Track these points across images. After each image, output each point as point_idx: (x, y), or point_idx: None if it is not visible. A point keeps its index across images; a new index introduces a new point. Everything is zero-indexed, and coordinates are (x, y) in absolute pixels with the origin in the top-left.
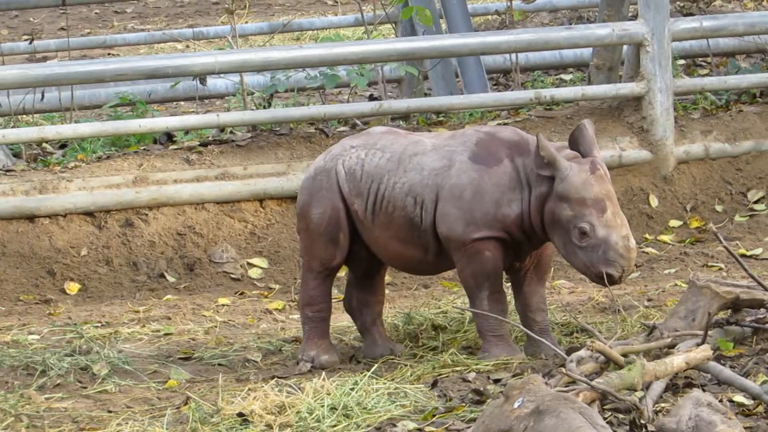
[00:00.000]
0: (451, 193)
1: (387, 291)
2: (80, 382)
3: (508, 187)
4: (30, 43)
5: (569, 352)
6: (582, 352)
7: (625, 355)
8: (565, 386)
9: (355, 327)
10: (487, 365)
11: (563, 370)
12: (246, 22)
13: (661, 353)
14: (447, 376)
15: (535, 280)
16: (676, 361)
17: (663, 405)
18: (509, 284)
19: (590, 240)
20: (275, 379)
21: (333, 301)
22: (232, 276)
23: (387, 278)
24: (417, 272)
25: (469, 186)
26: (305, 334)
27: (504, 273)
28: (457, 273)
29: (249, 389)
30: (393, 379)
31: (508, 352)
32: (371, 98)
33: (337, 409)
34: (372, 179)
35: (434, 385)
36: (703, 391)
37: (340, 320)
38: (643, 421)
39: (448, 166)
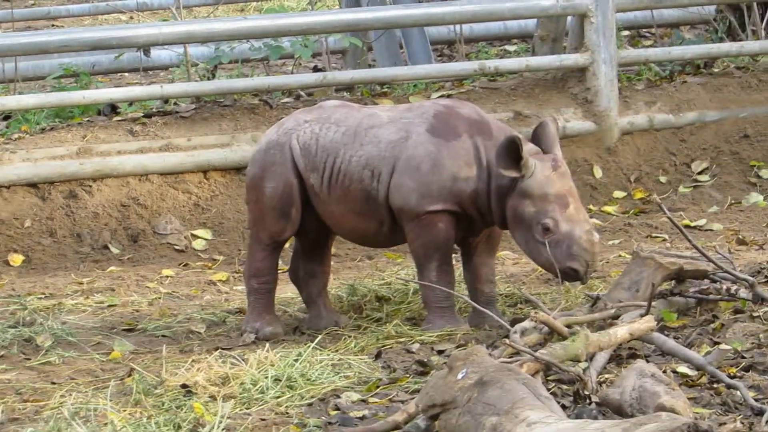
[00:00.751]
0: (408, 164)
1: (331, 262)
2: (24, 353)
3: (466, 163)
4: None
5: (513, 323)
6: (526, 323)
7: (569, 326)
8: (509, 357)
9: (299, 298)
10: (431, 336)
11: (507, 341)
12: None
13: (604, 324)
14: (391, 348)
15: (485, 252)
16: (620, 332)
17: (607, 376)
18: (459, 255)
19: (553, 236)
20: (219, 350)
21: (280, 271)
22: (176, 247)
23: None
24: (372, 245)
25: (427, 158)
26: (250, 305)
27: (455, 245)
28: (408, 244)
29: (193, 361)
30: (337, 351)
31: (452, 323)
32: (315, 69)
33: (281, 381)
34: (328, 153)
35: (378, 356)
36: (647, 362)
37: (284, 292)
38: (586, 392)
39: (405, 137)
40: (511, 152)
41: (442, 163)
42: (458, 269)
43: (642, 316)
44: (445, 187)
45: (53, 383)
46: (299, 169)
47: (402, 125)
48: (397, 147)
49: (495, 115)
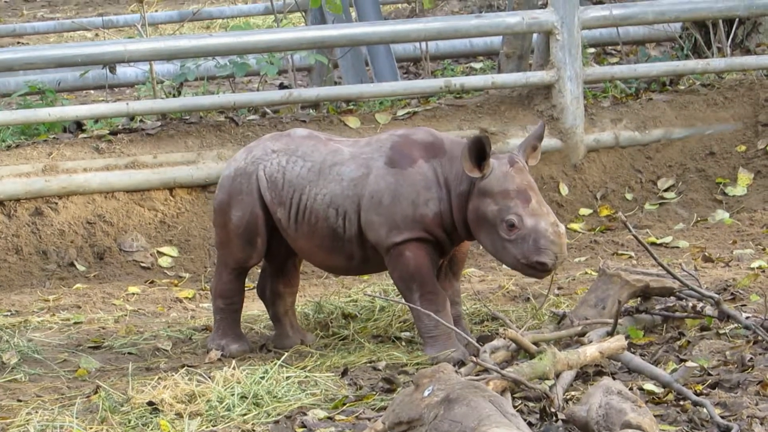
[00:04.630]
0: (371, 201)
1: (299, 282)
2: None
3: (423, 187)
4: None
5: (480, 340)
6: (497, 342)
7: (536, 344)
8: (476, 375)
9: (265, 315)
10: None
11: (473, 358)
12: (156, 11)
13: (571, 341)
14: (357, 365)
15: (450, 275)
16: (590, 350)
17: (573, 393)
18: None
19: (519, 231)
20: (185, 367)
21: (246, 289)
22: (142, 265)
23: None
24: (345, 275)
25: (387, 191)
26: (216, 323)
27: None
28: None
29: (159, 378)
30: (304, 368)
31: (446, 350)
32: (281, 87)
33: (247, 398)
34: (294, 189)
35: (344, 373)
36: (614, 379)
37: (251, 309)
38: (553, 410)
39: (366, 174)
40: (478, 152)
41: (401, 192)
42: None
43: (609, 333)
44: (407, 216)
45: (19, 401)
46: (266, 201)
47: (362, 161)
48: (359, 185)
49: (461, 133)
